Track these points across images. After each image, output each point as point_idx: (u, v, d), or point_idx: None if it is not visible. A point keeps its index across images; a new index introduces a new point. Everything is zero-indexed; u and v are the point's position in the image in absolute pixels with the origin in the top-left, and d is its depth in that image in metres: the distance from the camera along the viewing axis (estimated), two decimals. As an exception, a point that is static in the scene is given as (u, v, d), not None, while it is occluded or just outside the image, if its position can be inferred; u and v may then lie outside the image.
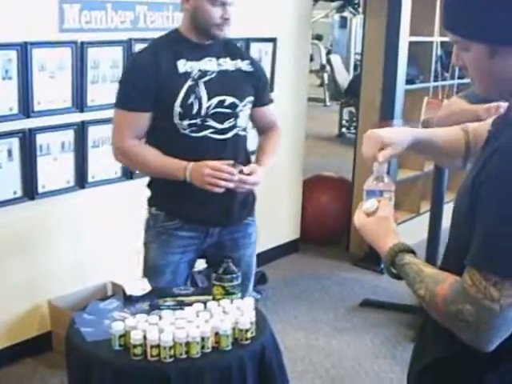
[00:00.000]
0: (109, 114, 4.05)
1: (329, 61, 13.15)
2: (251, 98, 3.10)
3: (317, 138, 10.49)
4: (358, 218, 1.83)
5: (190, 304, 2.67)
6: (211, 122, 2.96)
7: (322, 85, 14.42)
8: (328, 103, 13.65)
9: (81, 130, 4.02)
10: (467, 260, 1.53)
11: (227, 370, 2.42)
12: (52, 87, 3.84)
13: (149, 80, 2.90)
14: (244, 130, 3.10)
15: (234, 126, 3.02)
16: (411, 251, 1.72)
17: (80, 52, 3.90)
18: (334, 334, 4.59)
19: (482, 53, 1.56)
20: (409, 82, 5.85)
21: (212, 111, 2.95)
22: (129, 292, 2.80)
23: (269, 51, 5.12)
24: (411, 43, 5.68)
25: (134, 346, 2.38)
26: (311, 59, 14.85)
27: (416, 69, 6.10)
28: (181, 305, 2.69)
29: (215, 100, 2.95)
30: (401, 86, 5.60)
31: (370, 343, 4.50)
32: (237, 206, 3.10)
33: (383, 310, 4.88)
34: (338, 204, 5.96)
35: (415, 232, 5.32)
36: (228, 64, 3.05)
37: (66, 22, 3.82)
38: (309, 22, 5.76)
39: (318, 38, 16.04)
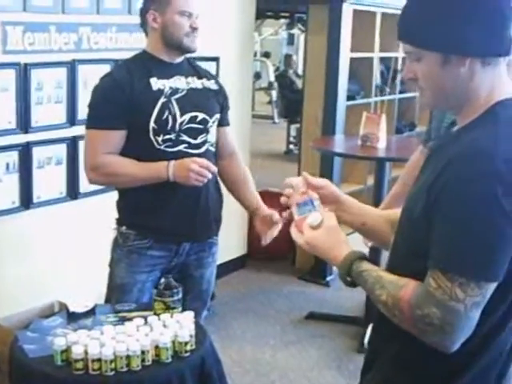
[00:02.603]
0: (54, 134, 4.12)
1: (277, 78, 13.28)
2: (218, 116, 3.21)
3: (265, 155, 10.56)
4: (304, 233, 1.83)
5: (131, 319, 2.72)
6: (185, 137, 3.04)
7: (270, 102, 14.52)
8: (276, 120, 13.75)
9: (25, 151, 4.04)
10: (430, 263, 1.57)
11: (167, 383, 2.47)
12: (-5, 109, 3.87)
13: (124, 97, 2.97)
14: (213, 145, 3.20)
15: (205, 141, 3.13)
16: (366, 259, 1.76)
17: (24, 73, 3.94)
18: (280, 347, 4.66)
19: (434, 62, 1.63)
20: (350, 97, 5.99)
21: (185, 127, 3.04)
22: (72, 309, 2.84)
23: (212, 70, 5.18)
24: (352, 59, 5.83)
25: (76, 361, 2.42)
26: (259, 77, 15.02)
27: (357, 84, 6.24)
28: (122, 320, 2.74)
29: (187, 116, 3.05)
30: (342, 101, 5.73)
31: (315, 355, 4.58)
32: (209, 219, 3.20)
33: (328, 322, 4.97)
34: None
35: (359, 240, 5.41)
36: (196, 82, 3.16)
37: (9, 43, 3.86)
38: (252, 41, 5.86)
39: (266, 55, 16.18)
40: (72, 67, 4.17)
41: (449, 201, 1.55)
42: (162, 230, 3.09)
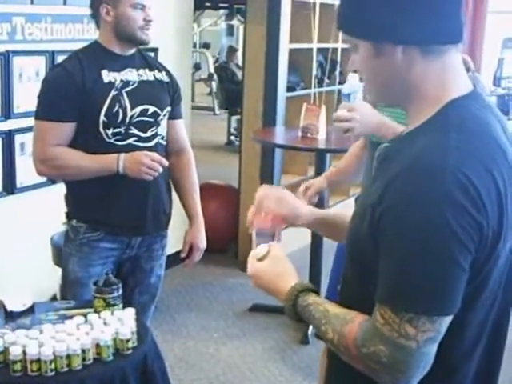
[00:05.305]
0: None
1: (217, 69, 13.23)
2: (169, 108, 3.16)
3: (206, 146, 10.53)
4: (248, 265, 1.72)
5: (71, 317, 2.66)
6: (134, 131, 3.01)
7: (210, 93, 14.48)
8: (217, 111, 13.73)
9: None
10: (377, 297, 1.43)
11: (109, 381, 2.42)
12: None
13: (75, 89, 2.92)
14: (163, 138, 3.16)
15: (156, 135, 3.09)
16: (314, 291, 1.61)
17: (-45, 65, 3.84)
18: (223, 341, 4.64)
19: (368, 52, 1.50)
20: (290, 89, 5.98)
21: (135, 120, 3.00)
22: (9, 308, 2.76)
23: (151, 61, 5.12)
24: (291, 50, 5.82)
25: (14, 362, 2.35)
26: (199, 68, 14.96)
27: (297, 76, 6.23)
28: (62, 318, 2.68)
29: (138, 109, 3.01)
30: (282, 93, 5.73)
31: (259, 348, 4.56)
32: (159, 213, 3.18)
33: (272, 313, 4.94)
34: (225, 212, 6.01)
35: (300, 236, 5.41)
36: (147, 75, 3.12)
37: None
38: (190, 32, 5.81)
39: (206, 46, 16.14)
40: (6, 58, 4.05)
41: (393, 225, 1.39)
42: (113, 224, 3.06)
